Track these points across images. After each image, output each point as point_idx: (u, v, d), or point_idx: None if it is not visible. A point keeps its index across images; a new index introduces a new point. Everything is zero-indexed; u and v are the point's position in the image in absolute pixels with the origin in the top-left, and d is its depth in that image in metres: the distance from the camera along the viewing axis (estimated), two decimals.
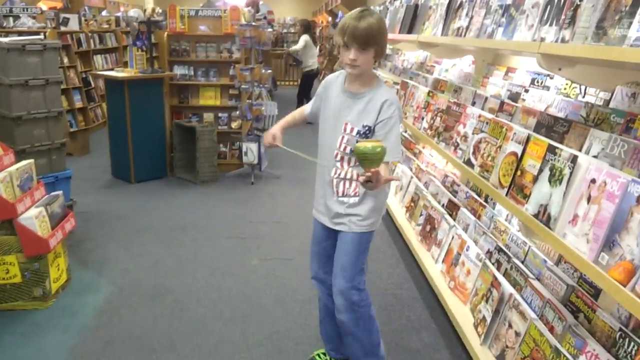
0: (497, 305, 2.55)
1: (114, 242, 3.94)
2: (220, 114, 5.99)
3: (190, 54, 5.91)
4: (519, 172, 2.29)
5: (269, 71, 5.72)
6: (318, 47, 12.55)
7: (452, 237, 3.33)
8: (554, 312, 2.26)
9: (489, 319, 2.58)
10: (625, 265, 1.52)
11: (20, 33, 6.28)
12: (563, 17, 2.07)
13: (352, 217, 2.27)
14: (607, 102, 2.29)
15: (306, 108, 2.48)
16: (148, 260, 3.64)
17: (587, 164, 1.82)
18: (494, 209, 3.34)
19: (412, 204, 4.21)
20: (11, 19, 6.93)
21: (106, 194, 5.10)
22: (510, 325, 2.43)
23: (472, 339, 2.61)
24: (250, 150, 5.49)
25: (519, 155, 2.31)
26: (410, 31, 4.36)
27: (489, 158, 2.65)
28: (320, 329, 2.60)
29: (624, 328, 1.94)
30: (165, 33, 5.74)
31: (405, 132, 5.34)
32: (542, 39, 2.19)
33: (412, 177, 4.49)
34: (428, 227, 3.72)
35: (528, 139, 2.27)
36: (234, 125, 5.97)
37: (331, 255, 2.36)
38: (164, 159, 5.66)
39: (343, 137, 2.18)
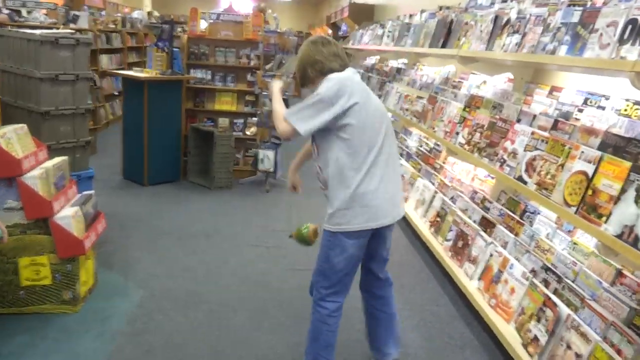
0: (553, 325, 2.50)
1: (136, 245, 3.82)
2: (235, 120, 5.91)
3: (209, 58, 5.83)
4: (589, 192, 2.26)
5: (290, 79, 5.66)
6: None
7: (491, 255, 3.28)
8: (620, 335, 2.21)
9: (543, 340, 2.53)
10: None
11: (32, 28, 6.13)
12: None
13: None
14: None
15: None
16: (175, 266, 3.53)
17: None
18: (531, 226, 3.31)
19: (439, 219, 4.16)
20: (23, 12, 6.77)
21: (120, 196, 4.97)
22: (569, 347, 2.38)
23: (525, 359, 2.55)
24: (267, 158, 5.41)
25: (590, 174, 2.28)
26: (444, 45, 4.34)
27: (548, 176, 2.61)
28: None
29: None
30: (186, 36, 5.66)
31: (422, 146, 5.32)
32: (623, 58, 2.18)
33: (436, 192, 4.44)
34: (460, 243, 3.67)
35: (601, 158, 2.25)
36: (249, 132, 5.89)
37: None
38: (178, 163, 5.55)
39: None
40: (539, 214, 3.36)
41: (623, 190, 2.04)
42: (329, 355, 2.37)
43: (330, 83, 2.19)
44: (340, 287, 2.35)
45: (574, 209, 2.32)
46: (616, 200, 2.06)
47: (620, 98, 2.77)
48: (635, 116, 2.61)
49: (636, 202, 1.95)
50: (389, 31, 6.62)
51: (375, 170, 2.23)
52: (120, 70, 7.83)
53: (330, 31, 15.89)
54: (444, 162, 5.00)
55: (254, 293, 3.23)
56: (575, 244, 2.92)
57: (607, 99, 2.87)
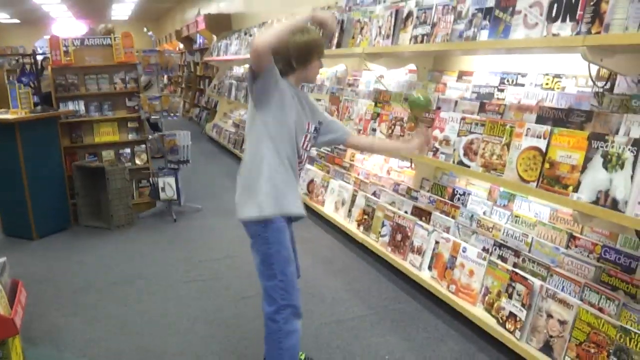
0: (528, 299, 2.58)
1: (52, 309, 3.32)
2: (121, 150, 5.43)
3: (79, 87, 5.28)
4: (547, 165, 2.36)
5: (177, 99, 5.33)
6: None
7: (437, 242, 3.33)
8: (597, 294, 2.34)
9: (520, 314, 2.60)
10: None
11: None
12: (581, 12, 2.18)
13: None
14: (609, 90, 2.46)
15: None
16: (110, 323, 3.12)
17: None
18: (466, 207, 3.42)
19: (366, 217, 4.16)
20: None
21: (8, 256, 4.26)
22: (549, 316, 2.47)
23: (509, 336, 2.61)
24: (169, 185, 5.04)
25: (544, 149, 2.38)
26: (339, 45, 4.34)
27: (494, 157, 2.70)
28: None
29: None
30: (49, 67, 5.07)
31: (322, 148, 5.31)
32: (555, 35, 2.30)
33: (356, 191, 4.43)
34: (399, 237, 3.69)
35: (551, 132, 2.35)
36: (138, 161, 5.45)
37: None
38: (67, 207, 4.96)
39: (307, 136, 2.35)
40: (469, 194, 3.48)
41: (587, 159, 2.15)
42: None
43: None
44: None
45: (534, 184, 2.41)
46: (582, 169, 2.17)
47: (537, 73, 2.94)
48: (558, 88, 2.79)
49: (605, 167, 2.07)
50: None
51: None
52: None
53: (181, 45, 15.34)
54: (352, 160, 5.02)
55: (213, 333, 2.97)
56: (517, 216, 3.06)
57: (523, 76, 3.04)
